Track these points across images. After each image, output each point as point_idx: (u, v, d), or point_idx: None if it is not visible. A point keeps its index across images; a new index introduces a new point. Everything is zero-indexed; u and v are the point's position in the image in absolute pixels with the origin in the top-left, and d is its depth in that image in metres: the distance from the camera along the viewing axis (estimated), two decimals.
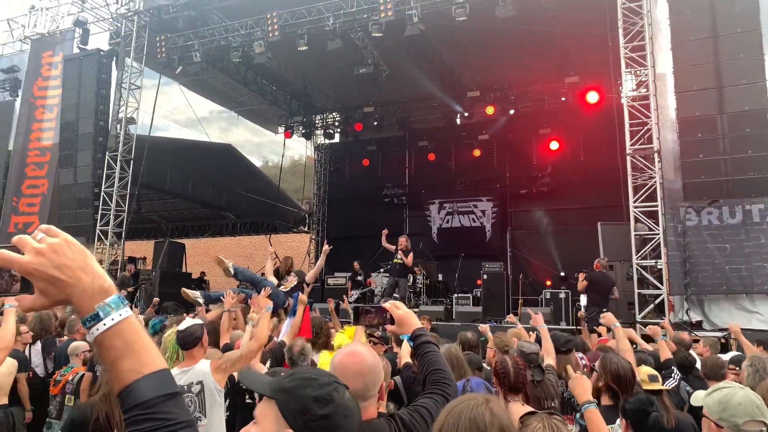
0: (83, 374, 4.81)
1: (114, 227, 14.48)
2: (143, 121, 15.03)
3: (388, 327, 2.39)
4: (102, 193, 14.36)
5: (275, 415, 1.32)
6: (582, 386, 2.81)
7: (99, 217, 14.32)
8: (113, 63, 15.06)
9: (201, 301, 6.88)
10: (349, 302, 13.22)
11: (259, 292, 6.42)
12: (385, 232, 12.72)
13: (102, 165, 14.42)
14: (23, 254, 1.06)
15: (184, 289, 7.24)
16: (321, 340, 5.27)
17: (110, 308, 1.07)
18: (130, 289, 13.27)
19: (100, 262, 14.52)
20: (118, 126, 14.57)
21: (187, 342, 3.82)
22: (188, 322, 4.03)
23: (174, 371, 3.65)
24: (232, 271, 7.49)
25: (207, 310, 6.77)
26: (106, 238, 14.37)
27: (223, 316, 5.06)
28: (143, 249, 20.43)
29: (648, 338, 6.12)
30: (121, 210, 14.61)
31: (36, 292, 1.07)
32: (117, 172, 14.42)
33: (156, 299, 11.23)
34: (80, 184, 14.32)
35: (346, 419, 1.32)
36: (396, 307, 2.36)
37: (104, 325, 1.06)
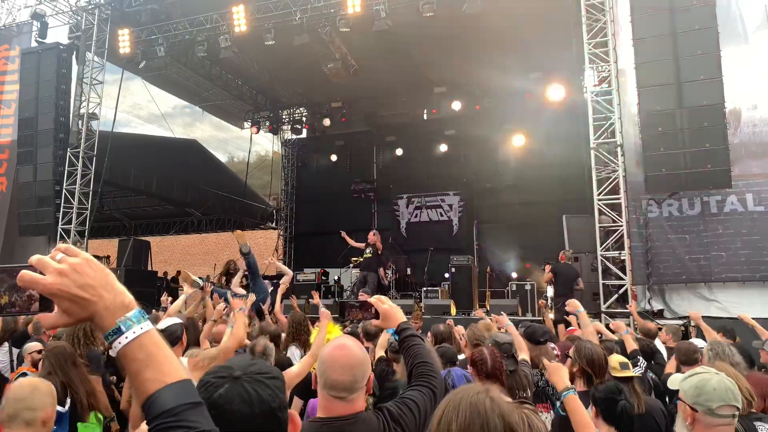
0: (23, 373, 4.71)
1: (77, 226, 14.14)
2: (106, 116, 14.70)
3: (374, 321, 2.43)
4: (64, 190, 14.00)
5: None
6: (559, 374, 2.89)
7: (61, 216, 13.97)
8: (74, 57, 14.63)
9: (201, 283, 6.92)
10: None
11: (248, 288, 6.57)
12: (344, 234, 12.70)
13: (63, 162, 14.03)
14: (44, 274, 1.07)
15: (183, 270, 7.28)
16: (302, 337, 5.31)
17: (132, 322, 1.09)
18: None
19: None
20: (80, 122, 14.20)
21: (168, 341, 3.78)
22: (168, 321, 4.00)
23: None
24: (246, 250, 7.65)
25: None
26: (69, 237, 14.02)
27: (205, 325, 5.03)
28: (107, 247, 20.03)
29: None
30: (84, 208, 14.27)
31: (58, 311, 1.09)
32: (79, 169, 14.07)
33: None
34: (41, 182, 13.91)
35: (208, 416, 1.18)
36: (381, 301, 2.40)
37: (126, 338, 1.08)
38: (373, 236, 12.59)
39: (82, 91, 14.30)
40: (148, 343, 1.09)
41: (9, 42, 15.29)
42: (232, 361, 1.41)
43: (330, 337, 3.88)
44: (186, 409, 1.07)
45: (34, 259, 1.09)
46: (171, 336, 3.82)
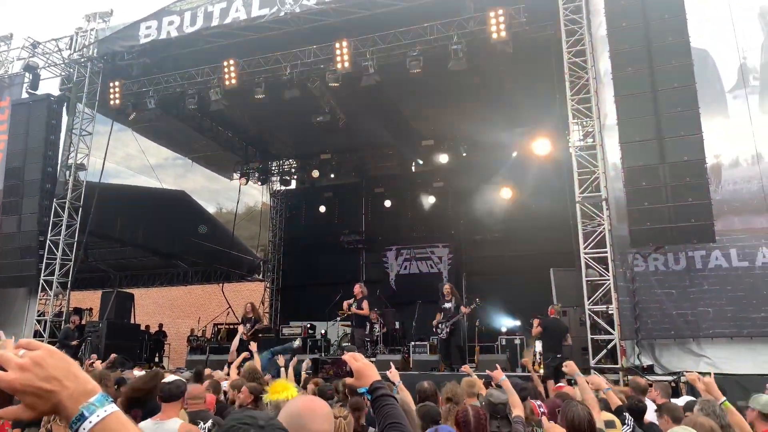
0: None
1: (59, 277, 13.89)
2: (95, 167, 14.68)
3: (347, 380, 2.35)
4: (48, 241, 13.82)
5: None
6: None
7: (44, 267, 13.74)
8: (64, 108, 14.75)
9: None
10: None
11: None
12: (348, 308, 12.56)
13: (49, 212, 13.93)
14: (6, 371, 1.08)
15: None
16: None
17: (95, 407, 1.09)
18: (74, 342, 12.65)
19: (43, 313, 13.81)
20: (68, 172, 14.18)
21: (173, 394, 3.82)
22: (173, 376, 4.13)
23: (148, 422, 3.69)
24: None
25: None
26: (51, 289, 13.77)
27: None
28: (90, 299, 19.64)
29: None
30: (68, 259, 14.06)
31: (21, 405, 1.09)
32: (64, 219, 13.96)
33: (113, 355, 10.74)
34: (24, 233, 13.73)
35: None
36: (354, 359, 2.33)
37: (90, 422, 1.08)
38: (359, 289, 12.43)
39: (71, 142, 14.34)
40: (112, 424, 1.10)
41: (0, 93, 15.40)
42: (255, 412, 1.43)
43: (282, 396, 3.64)
44: None
45: None
46: (177, 389, 3.87)
